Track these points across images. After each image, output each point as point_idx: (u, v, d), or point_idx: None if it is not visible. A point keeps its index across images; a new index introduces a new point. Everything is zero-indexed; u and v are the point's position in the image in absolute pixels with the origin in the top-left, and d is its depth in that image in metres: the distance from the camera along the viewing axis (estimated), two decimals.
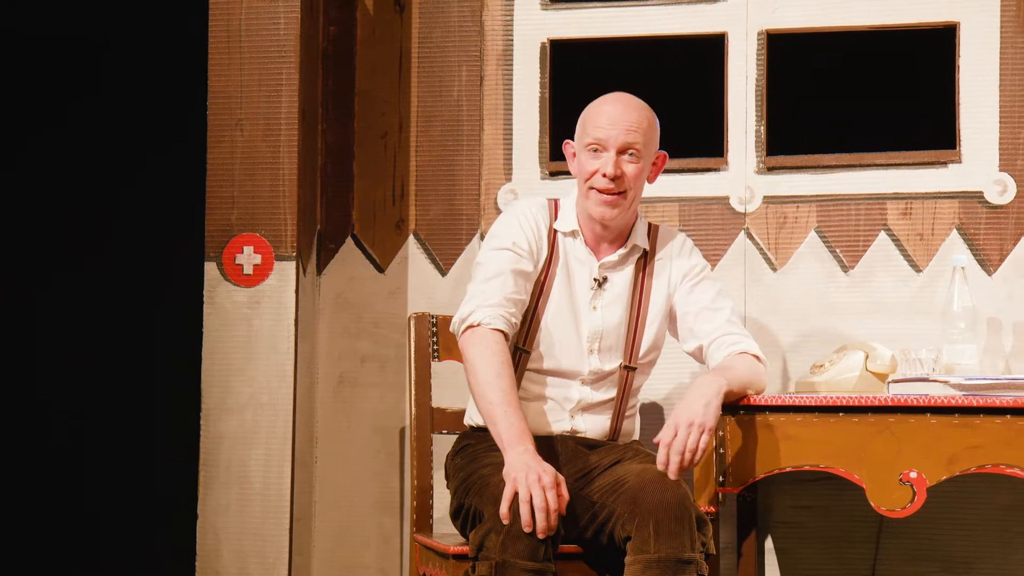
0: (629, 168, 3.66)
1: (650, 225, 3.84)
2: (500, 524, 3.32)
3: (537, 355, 3.72)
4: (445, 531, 3.94)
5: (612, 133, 3.65)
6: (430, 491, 3.98)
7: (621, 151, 3.65)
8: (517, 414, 3.46)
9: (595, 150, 3.67)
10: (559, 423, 3.73)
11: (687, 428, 3.43)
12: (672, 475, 3.42)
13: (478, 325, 3.59)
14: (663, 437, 3.44)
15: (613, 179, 3.64)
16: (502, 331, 3.59)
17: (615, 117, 3.66)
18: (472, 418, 3.81)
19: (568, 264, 3.74)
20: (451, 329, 3.67)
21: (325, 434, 4.45)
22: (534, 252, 3.72)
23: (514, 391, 3.51)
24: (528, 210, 3.76)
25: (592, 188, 3.67)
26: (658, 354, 3.82)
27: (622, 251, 3.75)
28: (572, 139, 3.77)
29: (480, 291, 3.64)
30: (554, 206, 3.80)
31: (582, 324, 3.72)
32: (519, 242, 3.70)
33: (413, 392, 4.02)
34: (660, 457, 3.44)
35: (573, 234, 3.76)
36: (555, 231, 3.76)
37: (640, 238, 3.78)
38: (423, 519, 3.96)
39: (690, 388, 3.53)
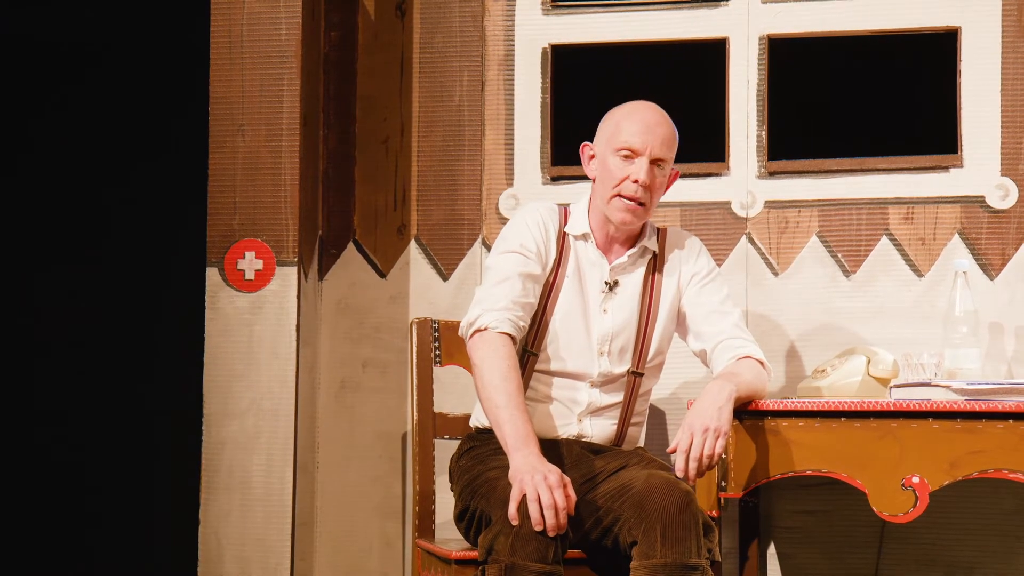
0: (657, 180, 3.69)
1: (658, 229, 3.85)
2: (509, 526, 3.32)
3: (545, 356, 3.72)
4: (447, 536, 3.94)
5: (648, 141, 3.66)
6: (432, 496, 3.97)
7: (653, 161, 3.66)
8: (523, 417, 3.46)
9: (627, 156, 3.67)
10: (566, 427, 3.74)
11: (703, 434, 3.44)
12: (691, 480, 3.44)
13: (485, 329, 3.60)
14: (680, 444, 3.45)
15: (646, 187, 3.65)
16: (509, 334, 3.60)
17: (651, 125, 3.67)
18: (479, 419, 3.80)
19: (579, 267, 3.75)
20: (459, 333, 3.69)
21: (327, 439, 4.44)
22: (542, 254, 3.73)
23: (520, 394, 3.52)
24: (536, 213, 3.77)
25: (619, 195, 3.68)
26: (664, 357, 3.83)
27: (632, 252, 3.76)
28: (590, 141, 3.77)
29: (488, 295, 3.65)
30: (564, 211, 3.80)
31: (592, 326, 3.73)
32: (527, 244, 3.71)
33: (415, 397, 4.02)
34: (679, 464, 3.45)
35: (584, 237, 3.76)
36: (565, 234, 3.76)
37: (650, 240, 3.79)
38: (425, 524, 3.96)
39: (702, 394, 3.53)
